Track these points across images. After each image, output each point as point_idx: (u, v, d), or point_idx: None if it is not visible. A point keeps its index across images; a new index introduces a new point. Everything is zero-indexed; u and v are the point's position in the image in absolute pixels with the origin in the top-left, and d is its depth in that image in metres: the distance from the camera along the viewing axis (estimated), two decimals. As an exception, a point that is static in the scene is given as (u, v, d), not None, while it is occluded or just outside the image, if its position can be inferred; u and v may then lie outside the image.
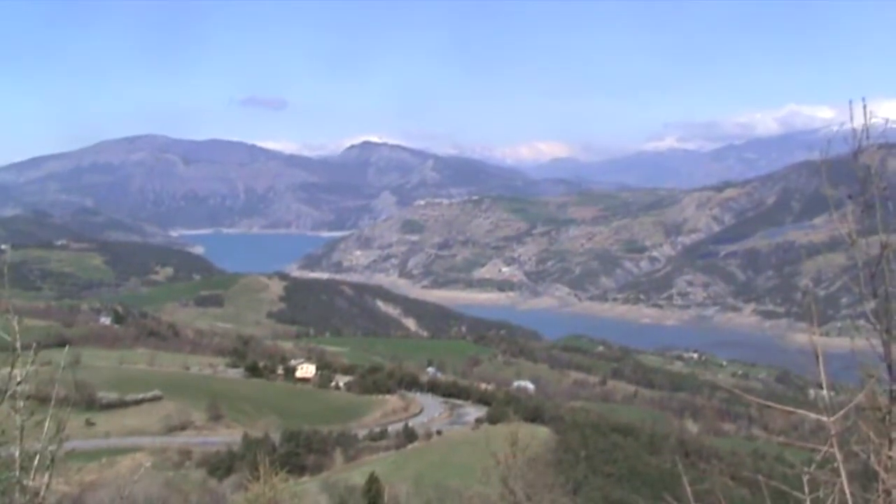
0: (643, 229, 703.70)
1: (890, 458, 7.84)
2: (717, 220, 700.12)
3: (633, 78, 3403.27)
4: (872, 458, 7.84)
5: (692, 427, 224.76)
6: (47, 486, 8.60)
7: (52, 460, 8.44)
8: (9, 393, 8.21)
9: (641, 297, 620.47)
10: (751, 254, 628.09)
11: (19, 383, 8.21)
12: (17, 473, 8.33)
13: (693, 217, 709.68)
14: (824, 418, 7.94)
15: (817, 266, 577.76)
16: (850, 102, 7.92)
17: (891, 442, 7.88)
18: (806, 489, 8.24)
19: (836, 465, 7.95)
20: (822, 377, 8.10)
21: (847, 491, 7.79)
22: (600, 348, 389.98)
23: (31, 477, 8.54)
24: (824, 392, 8.10)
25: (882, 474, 7.75)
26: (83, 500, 58.84)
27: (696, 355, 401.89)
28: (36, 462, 8.41)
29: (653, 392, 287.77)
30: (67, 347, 8.73)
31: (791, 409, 8.70)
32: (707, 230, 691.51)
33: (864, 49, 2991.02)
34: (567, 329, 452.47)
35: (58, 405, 8.34)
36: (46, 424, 8.27)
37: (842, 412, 8.06)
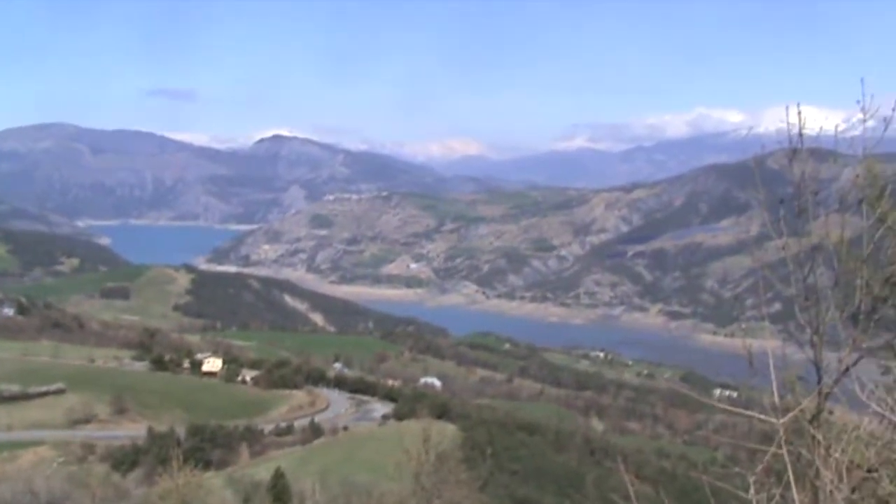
0: (552, 228, 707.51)
1: (829, 457, 8.08)
2: (626, 221, 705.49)
3: (544, 77, 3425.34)
4: (817, 459, 8.08)
5: (598, 425, 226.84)
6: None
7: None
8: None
9: (549, 295, 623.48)
10: (658, 254, 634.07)
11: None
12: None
13: (602, 217, 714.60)
14: (774, 420, 8.17)
15: (724, 267, 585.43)
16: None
17: (820, 443, 8.13)
18: (752, 490, 8.45)
19: (782, 466, 8.17)
20: (773, 382, 8.35)
21: (795, 492, 8.01)
22: (507, 346, 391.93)
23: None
24: (774, 395, 8.35)
25: (826, 475, 7.97)
26: (-16, 493, 58.13)
27: (602, 354, 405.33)
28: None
29: (559, 390, 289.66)
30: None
31: (741, 411, 8.99)
32: (615, 230, 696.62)
33: (773, 55, 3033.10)
34: (474, 326, 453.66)
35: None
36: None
37: (791, 414, 8.29)
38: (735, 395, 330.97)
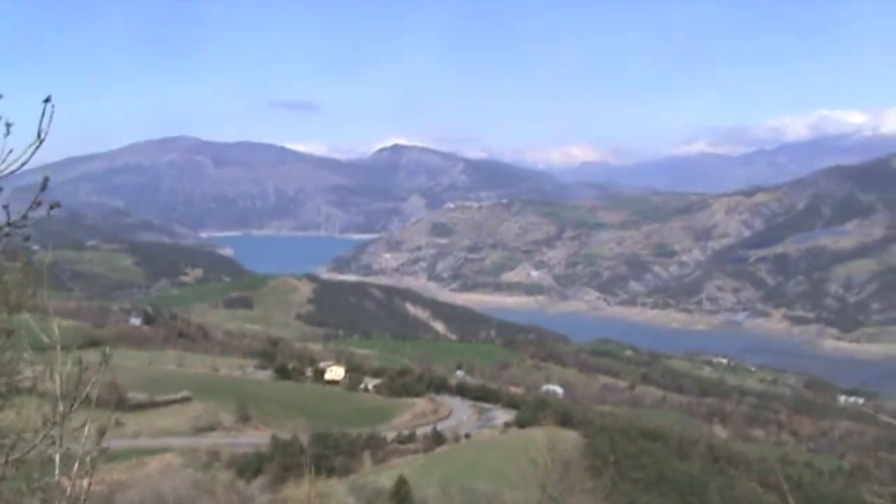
0: (673, 234, 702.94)
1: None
2: (747, 225, 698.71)
3: (663, 82, 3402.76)
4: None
5: (721, 432, 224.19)
6: (87, 488, 8.62)
7: (93, 463, 8.44)
8: (61, 395, 8.23)
9: (671, 301, 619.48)
10: (780, 259, 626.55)
11: (88, 386, 8.21)
12: (57, 475, 8.34)
13: (723, 222, 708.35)
14: None
15: (847, 271, 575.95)
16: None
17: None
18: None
19: None
20: None
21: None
22: (629, 353, 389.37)
23: (72, 480, 8.56)
24: None
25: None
26: (113, 499, 59.05)
27: (725, 360, 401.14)
28: (77, 464, 8.41)
29: (681, 397, 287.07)
30: (108, 349, 8.66)
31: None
32: (737, 235, 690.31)
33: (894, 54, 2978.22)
34: (596, 333, 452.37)
35: (97, 406, 8.36)
36: (87, 427, 8.27)
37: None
38: (861, 401, 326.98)
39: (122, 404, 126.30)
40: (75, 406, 8.15)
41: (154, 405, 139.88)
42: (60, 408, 8.04)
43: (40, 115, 6.90)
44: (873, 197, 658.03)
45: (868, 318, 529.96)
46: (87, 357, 8.25)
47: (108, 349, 8.83)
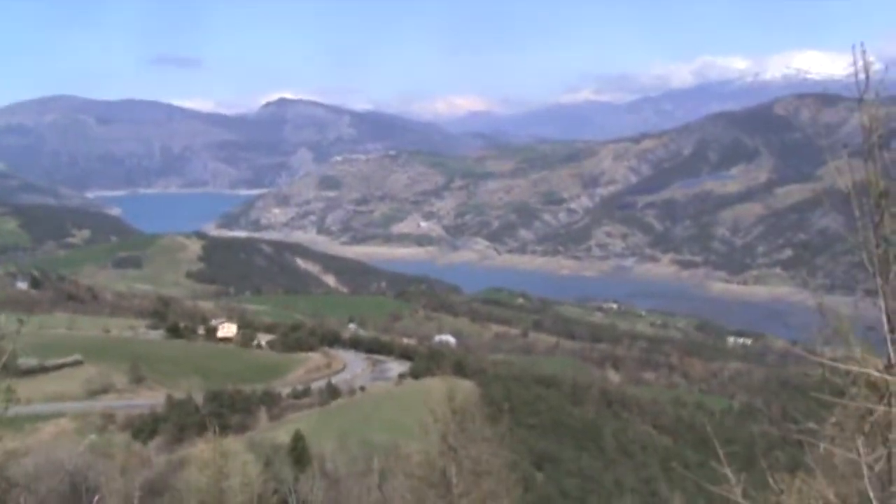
0: (561, 181, 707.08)
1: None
2: (635, 172, 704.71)
3: (547, 29, 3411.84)
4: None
5: (614, 377, 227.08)
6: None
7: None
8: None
9: (560, 248, 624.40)
10: (668, 204, 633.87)
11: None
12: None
13: (610, 168, 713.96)
14: (888, 377, 7.90)
15: (734, 215, 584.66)
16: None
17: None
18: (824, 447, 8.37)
19: (856, 422, 8.06)
20: (889, 342, 8.06)
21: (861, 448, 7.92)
22: (520, 301, 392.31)
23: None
24: (889, 349, 8.07)
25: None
26: (7, 468, 58.37)
27: (615, 306, 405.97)
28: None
29: (574, 343, 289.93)
30: (3, 316, 8.70)
31: (844, 365, 8.50)
32: (624, 181, 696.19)
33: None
34: (487, 282, 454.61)
35: None
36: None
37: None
38: (749, 342, 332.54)
39: (11, 370, 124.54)
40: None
41: (45, 370, 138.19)
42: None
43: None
44: (758, 141, 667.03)
45: (754, 261, 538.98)
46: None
47: (24, 318, 8.87)
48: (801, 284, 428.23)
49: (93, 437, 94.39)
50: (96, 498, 31.97)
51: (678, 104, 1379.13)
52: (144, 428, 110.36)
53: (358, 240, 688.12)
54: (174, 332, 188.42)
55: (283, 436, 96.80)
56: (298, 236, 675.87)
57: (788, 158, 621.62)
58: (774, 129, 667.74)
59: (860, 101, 7.92)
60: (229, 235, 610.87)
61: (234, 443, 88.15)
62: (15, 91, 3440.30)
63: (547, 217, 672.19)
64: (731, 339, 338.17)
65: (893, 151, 8.15)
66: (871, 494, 7.86)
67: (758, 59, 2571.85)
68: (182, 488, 49.43)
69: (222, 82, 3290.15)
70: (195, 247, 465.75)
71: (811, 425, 8.79)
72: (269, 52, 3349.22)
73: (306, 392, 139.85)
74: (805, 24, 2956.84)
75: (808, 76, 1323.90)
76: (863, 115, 8.03)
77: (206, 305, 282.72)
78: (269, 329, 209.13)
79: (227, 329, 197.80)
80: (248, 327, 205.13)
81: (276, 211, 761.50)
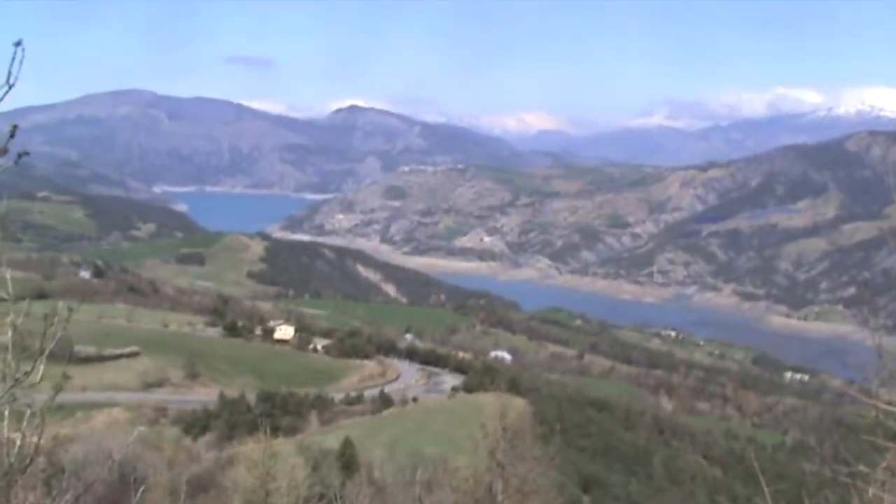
0: (627, 205, 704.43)
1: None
2: (701, 200, 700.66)
3: (624, 52, 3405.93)
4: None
5: (667, 404, 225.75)
6: (38, 443, 8.50)
7: (43, 416, 8.32)
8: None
9: (622, 272, 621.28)
10: (732, 234, 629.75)
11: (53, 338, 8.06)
12: (6, 430, 8.22)
13: (677, 195, 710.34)
14: None
15: (798, 250, 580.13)
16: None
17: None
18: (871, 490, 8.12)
19: None
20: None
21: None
22: (579, 322, 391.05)
23: (23, 434, 8.44)
24: None
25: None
26: (56, 453, 58.72)
27: (673, 333, 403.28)
28: (27, 417, 8.30)
29: (629, 368, 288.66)
30: (62, 304, 8.45)
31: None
32: (690, 209, 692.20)
33: (853, 35, 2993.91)
34: (546, 301, 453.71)
35: (48, 360, 8.20)
36: (39, 379, 8.10)
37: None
38: (806, 378, 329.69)
39: (70, 357, 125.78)
40: (40, 361, 8.00)
41: (102, 359, 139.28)
42: (12, 362, 7.90)
43: (10, 59, 6.83)
44: (826, 177, 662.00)
45: (816, 297, 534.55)
46: (37, 310, 8.12)
47: (74, 305, 8.66)
48: (862, 323, 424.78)
49: (142, 428, 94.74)
50: (141, 489, 31.90)
51: (748, 134, 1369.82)
52: (196, 424, 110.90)
53: (420, 251, 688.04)
54: (232, 330, 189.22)
55: (332, 441, 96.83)
56: (361, 243, 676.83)
57: (857, 195, 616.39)
58: (844, 164, 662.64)
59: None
60: (292, 238, 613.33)
61: (283, 445, 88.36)
62: (89, 83, 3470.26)
63: (610, 240, 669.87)
64: (788, 374, 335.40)
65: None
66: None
67: (831, 94, 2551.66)
68: (228, 486, 49.39)
69: (293, 85, 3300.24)
70: (258, 247, 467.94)
71: (862, 468, 8.51)
72: (341, 57, 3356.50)
73: (359, 399, 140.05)
74: (880, 61, 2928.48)
75: (883, 113, 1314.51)
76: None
77: (265, 306, 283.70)
78: (325, 334, 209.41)
79: (284, 331, 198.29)
80: (305, 330, 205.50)
81: (341, 217, 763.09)
